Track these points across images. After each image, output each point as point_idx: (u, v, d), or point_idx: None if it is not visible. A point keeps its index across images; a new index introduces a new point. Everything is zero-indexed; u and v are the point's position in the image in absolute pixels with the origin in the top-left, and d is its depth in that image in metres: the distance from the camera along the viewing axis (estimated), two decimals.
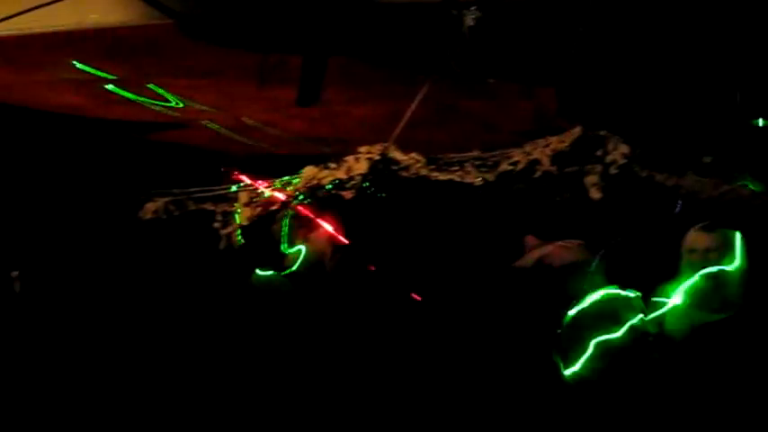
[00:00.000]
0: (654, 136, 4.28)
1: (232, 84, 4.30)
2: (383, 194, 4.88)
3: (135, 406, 4.54)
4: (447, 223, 5.14)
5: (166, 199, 5.32)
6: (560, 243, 4.13)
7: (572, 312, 3.85)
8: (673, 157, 4.24)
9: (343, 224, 4.03)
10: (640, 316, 3.82)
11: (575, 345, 3.78)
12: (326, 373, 3.89)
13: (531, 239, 4.29)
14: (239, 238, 5.20)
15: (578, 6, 3.66)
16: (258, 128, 4.90)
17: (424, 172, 4.93)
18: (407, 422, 3.83)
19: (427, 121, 4.73)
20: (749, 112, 4.30)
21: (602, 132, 4.14)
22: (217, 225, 5.26)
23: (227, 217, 5.28)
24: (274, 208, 5.15)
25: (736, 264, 3.82)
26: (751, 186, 4.14)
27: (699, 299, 3.80)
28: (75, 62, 3.96)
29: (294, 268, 3.95)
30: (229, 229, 5.12)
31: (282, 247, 4.00)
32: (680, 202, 4.35)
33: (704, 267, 3.82)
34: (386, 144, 4.81)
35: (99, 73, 4.07)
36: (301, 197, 5.03)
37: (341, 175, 4.99)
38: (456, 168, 4.99)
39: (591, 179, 4.18)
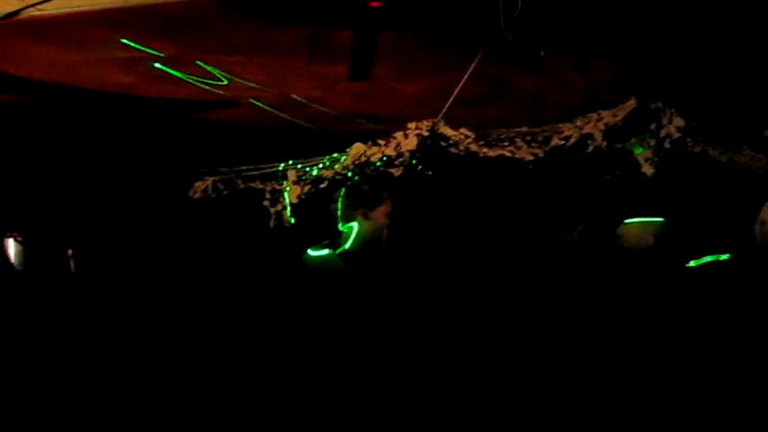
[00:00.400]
0: (711, 108, 4.18)
1: (280, 60, 4.27)
2: (431, 172, 4.84)
3: (192, 382, 4.58)
4: (496, 199, 5.07)
5: (215, 177, 5.34)
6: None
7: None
8: (729, 130, 4.14)
9: (396, 201, 3.98)
10: None
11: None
12: (379, 356, 3.86)
13: None
14: (289, 216, 5.20)
15: None
16: (306, 104, 4.87)
17: (473, 148, 4.88)
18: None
19: (477, 96, 4.66)
20: None
21: (657, 104, 4.05)
22: (266, 203, 5.28)
23: (276, 195, 5.29)
24: (323, 186, 5.14)
25: None
26: None
27: None
28: (122, 40, 3.96)
29: (347, 246, 3.89)
30: (279, 207, 5.13)
31: (339, 226, 3.96)
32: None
33: None
34: (435, 120, 4.76)
35: (147, 50, 4.07)
36: (350, 174, 5.01)
37: (389, 151, 4.95)
38: (506, 144, 4.93)
39: (644, 154, 4.10)
